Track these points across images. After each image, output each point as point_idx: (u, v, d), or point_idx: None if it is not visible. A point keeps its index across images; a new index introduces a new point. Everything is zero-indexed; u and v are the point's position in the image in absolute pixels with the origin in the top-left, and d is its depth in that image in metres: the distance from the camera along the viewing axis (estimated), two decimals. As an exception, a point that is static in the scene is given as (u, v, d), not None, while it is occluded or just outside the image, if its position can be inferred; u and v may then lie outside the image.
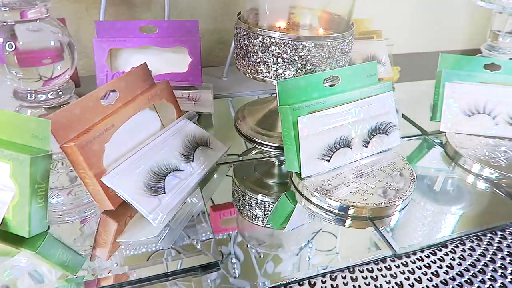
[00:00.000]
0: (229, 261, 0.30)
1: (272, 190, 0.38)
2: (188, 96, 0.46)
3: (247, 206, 0.36)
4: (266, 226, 0.34)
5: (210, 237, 0.31)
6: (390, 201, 0.34)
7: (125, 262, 0.29)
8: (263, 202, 0.36)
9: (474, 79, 0.45)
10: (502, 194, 0.39)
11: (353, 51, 0.52)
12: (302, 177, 0.35)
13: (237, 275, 0.29)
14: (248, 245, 0.32)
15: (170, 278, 0.28)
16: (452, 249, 0.32)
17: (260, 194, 0.37)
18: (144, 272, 0.28)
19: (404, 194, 0.34)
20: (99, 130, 0.30)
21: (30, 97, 0.31)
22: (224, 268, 0.29)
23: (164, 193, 0.32)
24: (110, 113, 0.32)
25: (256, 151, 0.43)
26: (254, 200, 0.36)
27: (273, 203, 0.36)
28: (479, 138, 0.44)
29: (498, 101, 0.44)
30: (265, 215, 0.35)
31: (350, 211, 0.34)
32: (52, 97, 0.32)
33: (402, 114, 0.51)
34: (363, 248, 0.32)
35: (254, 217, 0.35)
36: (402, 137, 0.41)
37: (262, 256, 0.31)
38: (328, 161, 0.36)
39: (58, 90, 0.32)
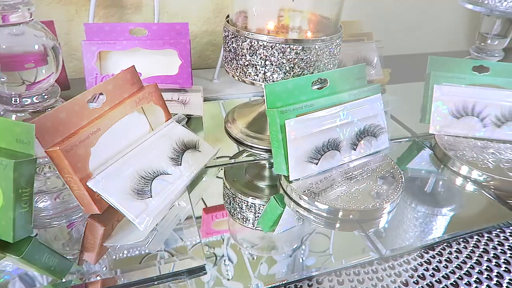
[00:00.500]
0: (222, 263, 0.30)
1: (263, 192, 0.38)
2: (178, 99, 0.46)
3: (238, 209, 0.36)
4: (257, 228, 0.34)
5: (197, 240, 0.31)
6: (378, 204, 0.34)
7: (114, 266, 0.29)
8: (253, 205, 0.36)
9: (463, 81, 0.46)
10: (490, 196, 0.39)
11: (344, 53, 0.53)
12: (290, 180, 0.35)
13: (231, 277, 0.29)
14: (240, 248, 0.32)
15: (156, 282, 0.28)
16: (439, 251, 0.32)
17: (251, 197, 0.37)
18: (131, 276, 0.28)
19: (392, 197, 0.34)
20: (85, 134, 0.30)
21: (14, 101, 0.31)
22: (218, 270, 0.29)
23: (151, 197, 0.32)
24: (96, 116, 0.32)
25: (248, 153, 0.43)
26: (244, 203, 0.36)
27: (263, 205, 0.36)
28: (468, 140, 0.45)
29: (486, 103, 0.44)
30: (255, 217, 0.35)
31: (338, 214, 0.34)
32: (38, 101, 0.31)
33: (391, 115, 0.52)
34: (357, 250, 0.32)
35: (245, 219, 0.35)
36: (392, 140, 0.41)
37: (255, 258, 0.31)
38: (316, 164, 0.36)
39: (43, 94, 0.32)
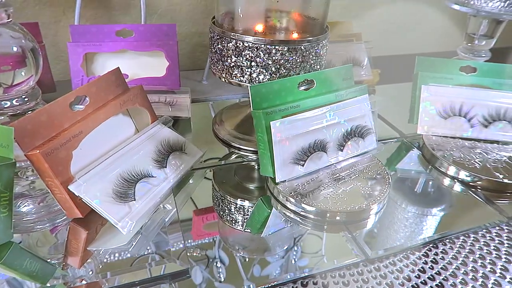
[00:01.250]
0: (214, 265, 0.30)
1: (251, 194, 0.38)
2: (165, 101, 0.45)
3: (226, 211, 0.36)
4: (245, 230, 0.34)
5: (181, 244, 0.31)
6: (365, 205, 0.33)
7: (99, 270, 0.29)
8: (242, 207, 0.36)
9: (450, 82, 0.46)
10: (477, 196, 0.39)
11: (333, 53, 0.52)
12: (276, 182, 0.35)
13: (223, 279, 0.29)
14: (231, 249, 0.31)
15: (138, 287, 0.28)
16: (425, 252, 0.32)
17: (240, 199, 0.37)
18: (115, 280, 0.28)
19: (379, 198, 0.34)
20: (67, 137, 0.30)
21: (-7, 104, 0.30)
22: (209, 272, 0.29)
23: (134, 200, 0.31)
24: (79, 119, 0.32)
25: (237, 155, 0.43)
26: (233, 205, 0.36)
27: (252, 207, 0.36)
28: (455, 140, 0.45)
29: (473, 103, 0.44)
30: (244, 219, 0.35)
31: (325, 216, 0.33)
32: (17, 103, 0.31)
33: (380, 116, 0.52)
34: (347, 251, 0.32)
35: (234, 221, 0.34)
36: (380, 140, 0.41)
37: (247, 259, 0.31)
38: (303, 165, 0.36)
39: (24, 97, 0.31)
